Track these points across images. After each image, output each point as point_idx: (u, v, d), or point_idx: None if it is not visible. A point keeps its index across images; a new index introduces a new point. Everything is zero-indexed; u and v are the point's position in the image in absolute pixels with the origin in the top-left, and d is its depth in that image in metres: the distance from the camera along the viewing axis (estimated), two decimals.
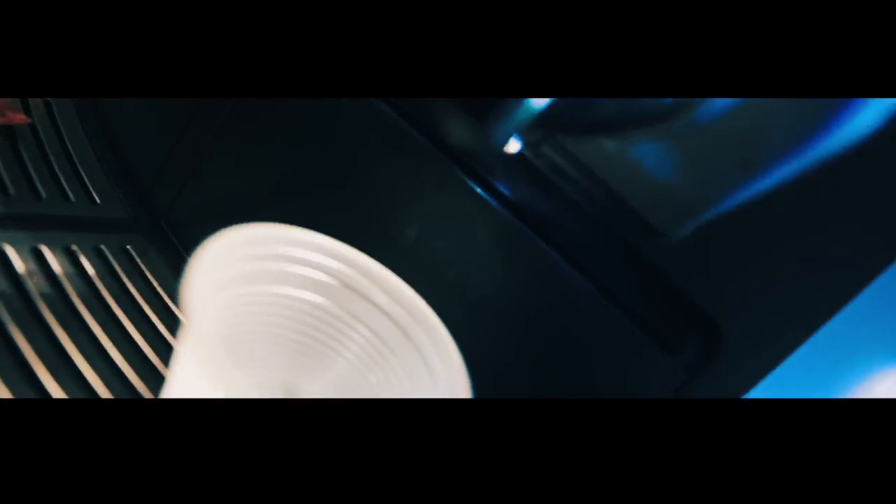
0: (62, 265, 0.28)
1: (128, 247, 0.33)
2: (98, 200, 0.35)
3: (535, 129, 0.18)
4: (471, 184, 0.28)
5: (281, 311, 0.23)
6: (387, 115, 0.28)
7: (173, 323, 0.31)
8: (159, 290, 0.32)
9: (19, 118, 0.35)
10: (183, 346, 0.17)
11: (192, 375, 0.16)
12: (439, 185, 0.28)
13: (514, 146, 0.22)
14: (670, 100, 0.18)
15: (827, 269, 0.23)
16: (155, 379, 0.26)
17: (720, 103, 0.17)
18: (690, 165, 0.19)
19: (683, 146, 0.19)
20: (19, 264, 0.26)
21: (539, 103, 0.17)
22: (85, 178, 0.36)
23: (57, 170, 0.34)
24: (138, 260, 0.33)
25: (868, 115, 0.17)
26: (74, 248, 0.30)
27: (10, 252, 0.27)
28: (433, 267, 0.29)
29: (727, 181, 0.19)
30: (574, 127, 0.19)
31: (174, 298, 0.32)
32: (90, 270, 0.29)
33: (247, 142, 0.35)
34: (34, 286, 0.26)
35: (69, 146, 0.37)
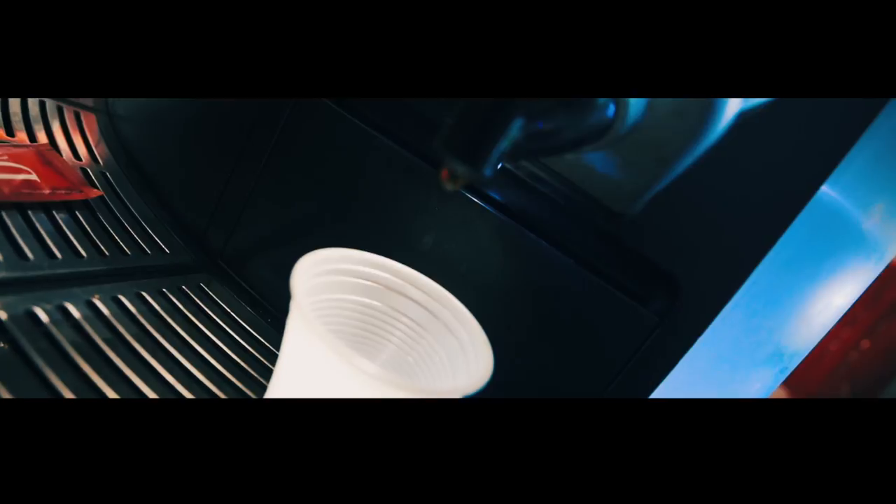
0: (159, 304, 0.36)
1: (200, 284, 0.41)
2: (168, 251, 0.43)
3: (515, 151, 0.26)
4: (469, 196, 0.35)
5: (341, 313, 0.30)
6: (398, 152, 0.36)
7: (244, 333, 0.38)
8: (229, 311, 0.40)
9: (94, 192, 0.43)
10: (292, 320, 0.24)
11: (300, 336, 0.24)
12: (445, 202, 0.35)
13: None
14: (610, 115, 0.25)
15: (739, 226, 0.30)
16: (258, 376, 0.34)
17: (638, 119, 0.24)
18: (626, 164, 0.27)
19: (618, 152, 0.26)
20: (130, 307, 0.34)
21: (516, 133, 0.24)
22: (153, 234, 0.43)
23: (132, 231, 0.42)
24: (209, 292, 0.40)
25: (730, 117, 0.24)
26: (165, 290, 0.37)
27: (122, 297, 0.34)
28: (448, 264, 0.36)
29: (652, 172, 0.26)
30: (542, 148, 0.27)
31: (241, 315, 0.40)
32: (178, 304, 0.37)
33: (281, 187, 0.42)
34: (145, 320, 0.33)
35: (133, 210, 0.45)
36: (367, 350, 0.32)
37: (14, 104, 0.52)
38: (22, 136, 0.47)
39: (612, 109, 0.24)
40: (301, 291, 0.24)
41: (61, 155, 0.46)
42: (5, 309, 0.28)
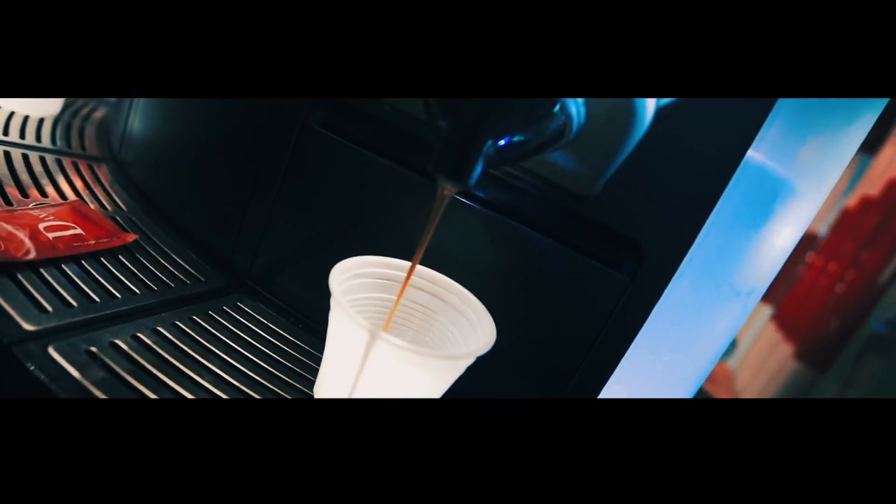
0: (208, 323, 0.42)
1: (237, 303, 0.47)
2: (202, 278, 0.49)
3: (491, 162, 0.32)
4: (458, 198, 0.41)
5: (368, 308, 0.37)
6: (392, 168, 0.42)
7: (280, 338, 0.44)
8: (265, 322, 0.46)
9: (130, 237, 0.49)
10: (335, 314, 0.31)
11: (343, 326, 0.30)
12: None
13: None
14: (560, 125, 0.32)
15: (685, 193, 0.37)
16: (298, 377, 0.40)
17: (581, 125, 0.30)
18: (580, 159, 0.33)
19: (573, 150, 0.33)
20: (187, 329, 0.40)
21: (489, 150, 0.30)
22: (187, 266, 0.49)
23: (168, 266, 0.48)
24: (245, 308, 0.47)
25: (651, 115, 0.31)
26: (211, 312, 0.43)
27: (178, 322, 0.40)
28: (448, 257, 0.43)
29: (601, 163, 0.32)
30: (512, 157, 0.33)
31: (275, 323, 0.46)
32: (223, 322, 0.43)
33: (295, 209, 0.48)
34: (200, 338, 0.40)
35: (164, 248, 0.51)
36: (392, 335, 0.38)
37: (36, 163, 0.57)
38: (52, 193, 0.53)
39: (560, 121, 0.30)
40: (338, 292, 0.30)
41: (91, 207, 0.52)
42: (93, 343, 0.34)
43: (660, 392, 0.49)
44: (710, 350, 0.51)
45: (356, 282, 0.34)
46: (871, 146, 2.81)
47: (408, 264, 0.37)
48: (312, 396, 0.38)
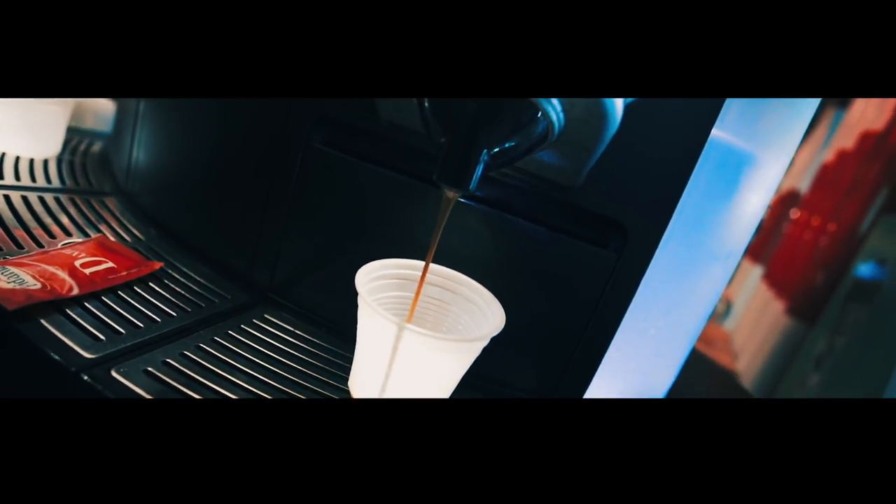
0: (243, 336, 0.46)
1: (265, 315, 0.51)
2: (228, 296, 0.52)
3: (488, 167, 0.36)
4: (460, 200, 0.46)
5: (389, 305, 0.41)
6: (395, 177, 0.46)
7: (307, 341, 0.49)
8: (291, 329, 0.50)
9: (156, 265, 0.52)
10: (363, 311, 0.35)
11: (372, 321, 0.34)
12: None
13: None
14: (543, 130, 0.36)
15: (659, 176, 0.42)
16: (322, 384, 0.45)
17: (562, 128, 0.35)
18: (563, 155, 0.38)
19: (557, 148, 0.37)
20: (227, 343, 0.44)
21: (485, 158, 0.34)
22: (212, 286, 0.53)
23: (196, 288, 0.52)
24: (272, 319, 0.51)
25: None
26: (243, 326, 0.47)
27: (217, 338, 0.44)
28: (454, 252, 0.47)
29: (582, 157, 0.37)
30: (505, 160, 0.37)
31: (300, 328, 0.50)
32: (255, 332, 0.47)
33: (306, 223, 0.52)
34: (239, 349, 0.44)
35: (188, 272, 0.55)
36: None
37: (52, 204, 0.60)
38: (74, 230, 0.56)
39: (544, 125, 0.34)
40: (365, 292, 0.34)
41: (113, 240, 0.55)
42: (148, 363, 0.38)
43: (656, 354, 0.54)
44: (698, 312, 0.56)
45: (377, 283, 0.39)
46: (842, 100, 2.88)
47: (421, 263, 0.41)
48: (347, 388, 0.43)
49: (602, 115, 0.33)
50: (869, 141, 2.40)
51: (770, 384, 2.11)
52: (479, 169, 0.33)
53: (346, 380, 0.44)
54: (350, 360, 0.46)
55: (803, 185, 3.72)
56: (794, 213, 3.48)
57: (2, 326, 0.37)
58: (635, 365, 0.51)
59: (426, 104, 0.35)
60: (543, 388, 0.50)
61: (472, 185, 0.32)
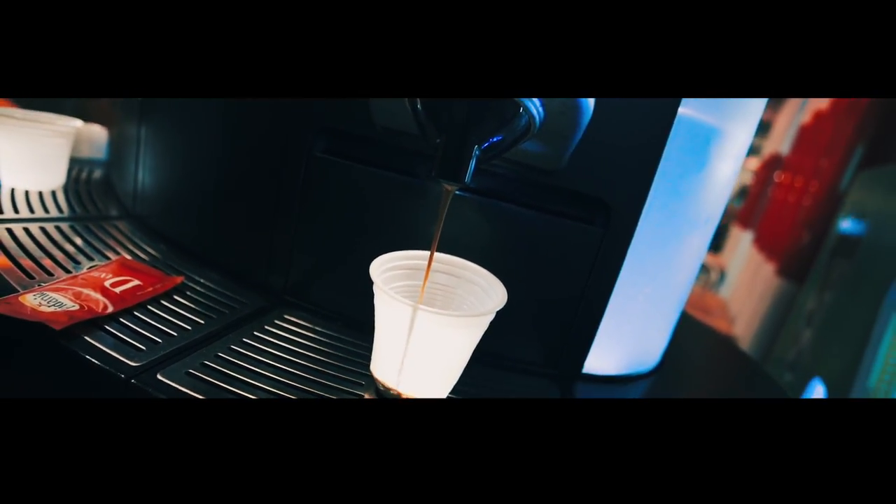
0: (268, 336, 0.50)
1: (284, 315, 0.55)
2: (247, 302, 0.56)
3: (480, 160, 0.40)
4: (456, 192, 0.50)
5: (400, 292, 0.45)
6: (394, 178, 0.50)
7: (328, 336, 0.52)
8: (310, 326, 0.54)
9: (177, 279, 0.56)
10: (379, 298, 0.39)
11: (388, 305, 0.38)
12: (438, 201, 0.50)
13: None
14: (526, 124, 0.40)
15: (634, 154, 0.46)
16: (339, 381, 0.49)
17: (543, 121, 0.39)
18: (545, 143, 0.42)
19: (539, 138, 0.41)
20: (255, 344, 0.48)
21: (477, 153, 0.38)
22: (231, 294, 0.57)
23: (216, 297, 0.56)
24: (292, 318, 0.54)
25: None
26: (266, 327, 0.51)
27: (245, 339, 0.48)
28: (454, 240, 0.51)
29: (561, 144, 0.41)
30: (495, 154, 0.41)
31: (320, 325, 0.54)
32: (278, 332, 0.51)
33: (314, 227, 0.56)
34: (267, 348, 0.47)
35: (207, 283, 0.58)
36: None
37: (69, 231, 0.64)
38: (94, 255, 0.60)
39: (526, 119, 0.38)
40: (380, 281, 0.38)
41: (132, 260, 0.59)
42: (189, 366, 0.42)
43: (648, 317, 0.58)
44: (683, 276, 0.61)
45: (389, 274, 0.43)
46: None
47: (426, 253, 0.45)
48: (369, 373, 0.47)
49: (576, 108, 0.37)
50: (843, 100, 2.46)
51: (766, 345, 2.18)
52: (473, 163, 0.37)
53: (366, 366, 0.48)
54: (366, 349, 0.50)
55: (784, 147, 3.79)
56: (778, 177, 3.55)
57: (53, 345, 0.41)
58: (629, 328, 0.56)
59: (419, 108, 0.39)
60: (549, 358, 0.54)
61: (468, 178, 0.36)
